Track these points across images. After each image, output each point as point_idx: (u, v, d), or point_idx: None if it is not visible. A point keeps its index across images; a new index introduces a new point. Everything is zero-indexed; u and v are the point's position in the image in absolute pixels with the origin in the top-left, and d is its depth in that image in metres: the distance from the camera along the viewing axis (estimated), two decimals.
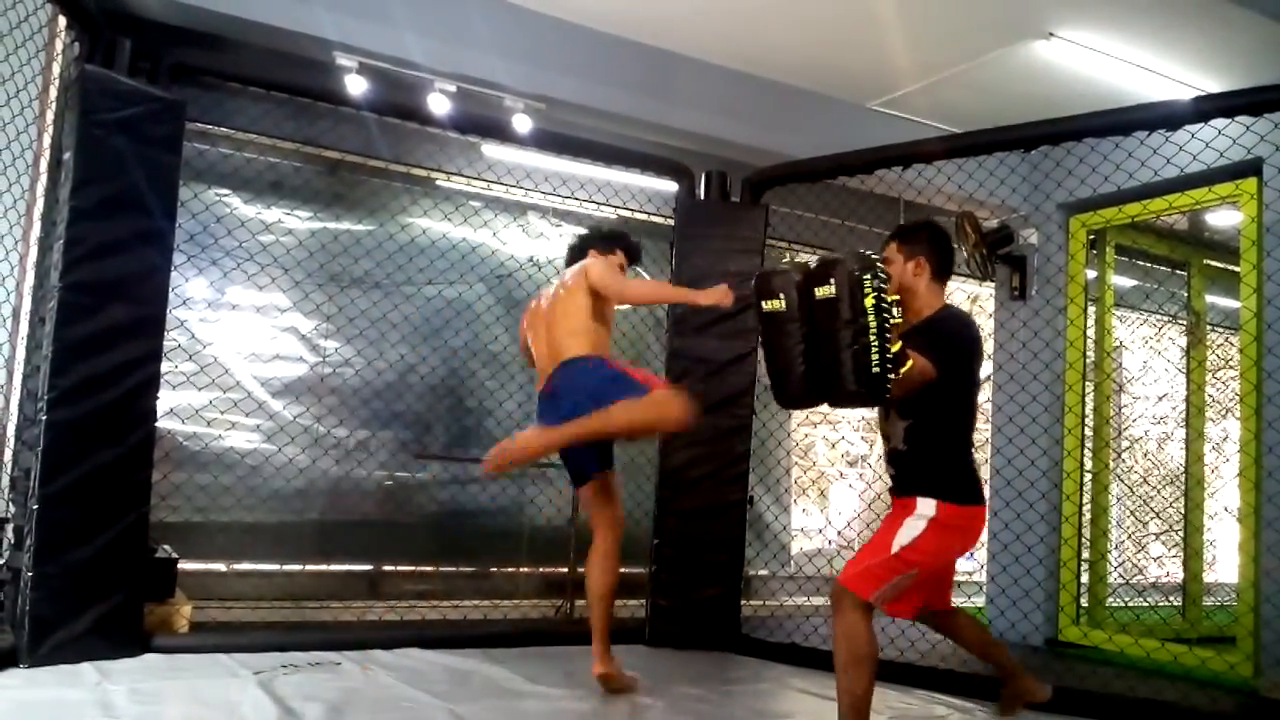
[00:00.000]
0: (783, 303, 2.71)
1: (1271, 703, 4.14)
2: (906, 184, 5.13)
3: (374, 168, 5.45)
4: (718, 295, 3.38)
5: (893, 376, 2.54)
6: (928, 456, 2.88)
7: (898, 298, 2.64)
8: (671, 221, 5.19)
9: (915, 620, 3.05)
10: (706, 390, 4.70)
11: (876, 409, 3.03)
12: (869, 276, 2.53)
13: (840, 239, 6.05)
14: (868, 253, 2.65)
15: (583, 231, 4.03)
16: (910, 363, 2.62)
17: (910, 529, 2.80)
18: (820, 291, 2.61)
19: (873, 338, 2.51)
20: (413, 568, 5.40)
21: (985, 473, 6.23)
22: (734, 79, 5.29)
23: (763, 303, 2.77)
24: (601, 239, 3.87)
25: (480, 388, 5.45)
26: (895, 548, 2.78)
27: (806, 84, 5.40)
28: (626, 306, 4.58)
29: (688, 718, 3.38)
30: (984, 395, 7.15)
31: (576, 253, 3.85)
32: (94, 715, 2.87)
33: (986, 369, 7.49)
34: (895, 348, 2.55)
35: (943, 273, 3.06)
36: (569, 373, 3.48)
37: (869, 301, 2.52)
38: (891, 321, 2.54)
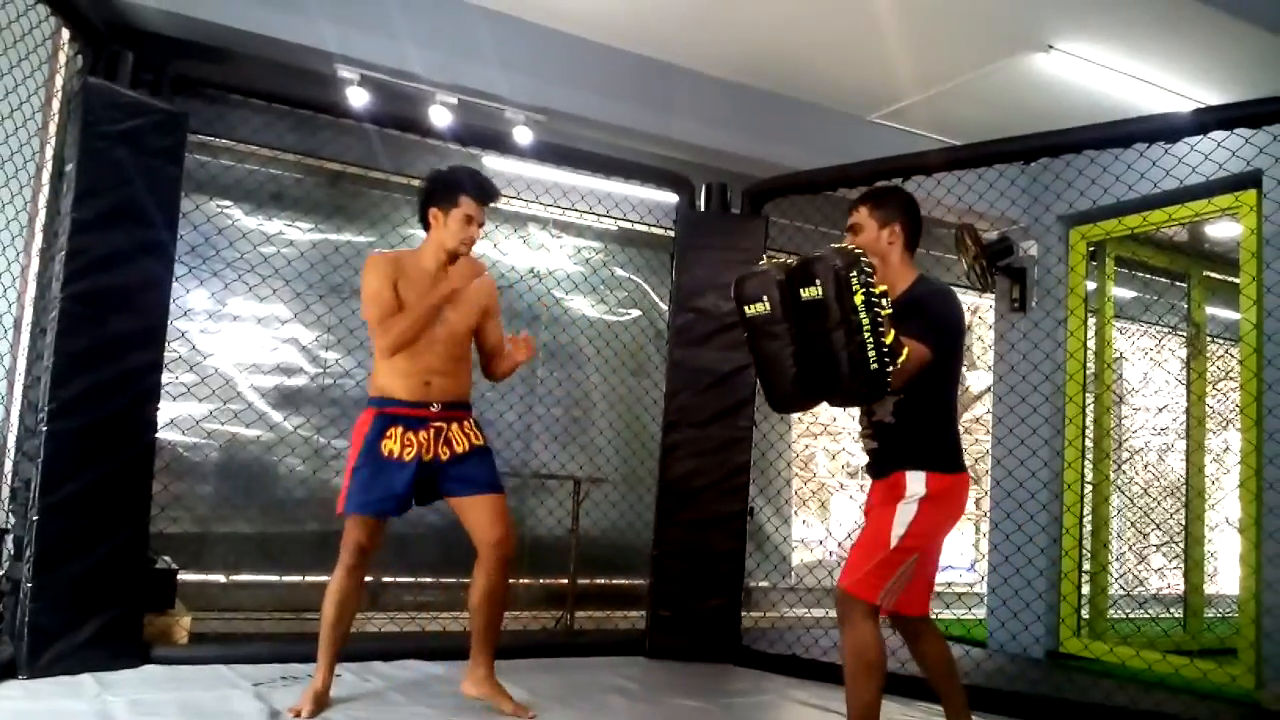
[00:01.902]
0: (766, 305, 2.66)
1: (1273, 715, 4.13)
2: None
3: (375, 179, 5.47)
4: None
5: (891, 369, 2.50)
6: (916, 428, 2.81)
7: (885, 288, 2.55)
8: (672, 233, 5.20)
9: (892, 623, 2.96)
10: (707, 401, 4.71)
11: None
12: (855, 273, 2.47)
13: None
14: (850, 247, 2.60)
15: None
16: (906, 351, 2.57)
17: (903, 515, 2.74)
18: (806, 293, 2.56)
19: (867, 334, 2.46)
20: (412, 579, 5.40)
21: (985, 484, 6.23)
22: (734, 91, 5.31)
23: (744, 307, 2.71)
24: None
25: (480, 399, 5.43)
26: (893, 540, 2.73)
27: (807, 96, 5.42)
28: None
29: None
30: (984, 407, 7.16)
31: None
32: None
33: (986, 380, 7.50)
34: (889, 339, 2.50)
35: (914, 241, 2.98)
36: None
37: (858, 299, 2.46)
38: (883, 314, 2.49)
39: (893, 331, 2.51)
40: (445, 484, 3.26)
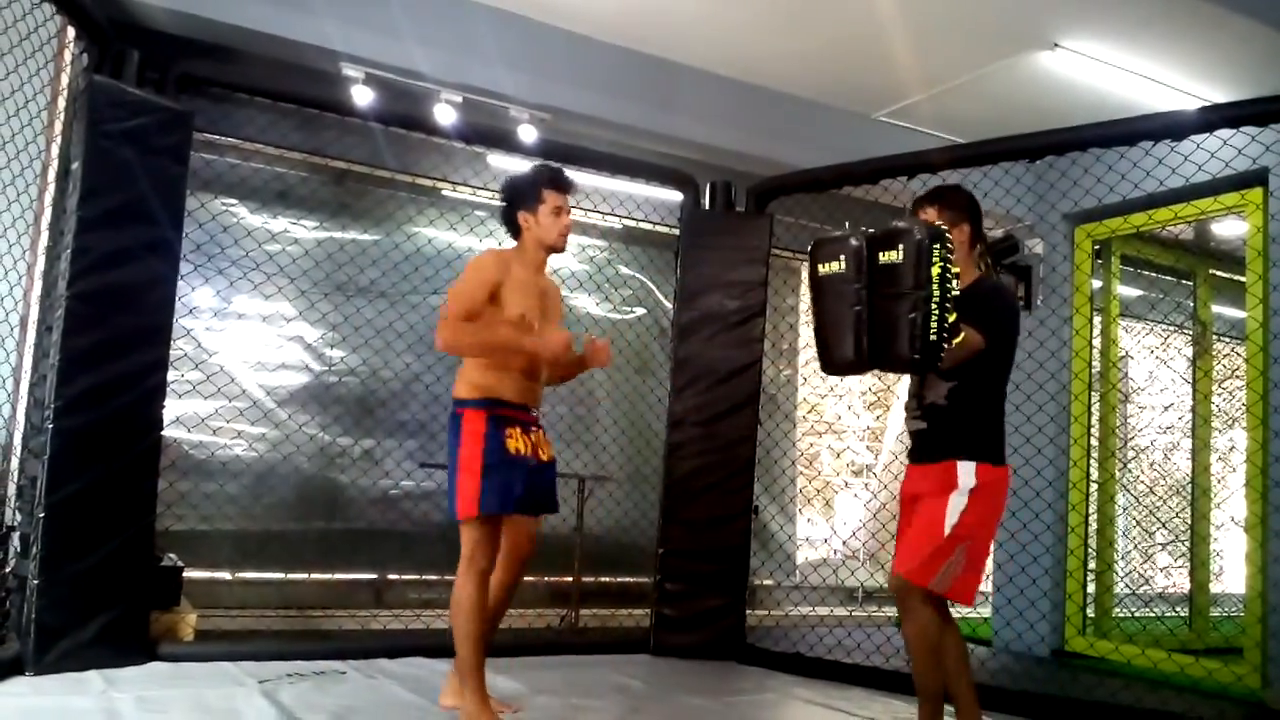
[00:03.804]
0: (841, 264, 2.70)
1: (1279, 715, 4.12)
2: (912, 194, 5.10)
3: (380, 178, 5.48)
4: (549, 346, 3.02)
5: (946, 346, 2.57)
6: (968, 414, 2.88)
7: (959, 270, 2.64)
8: (677, 231, 5.20)
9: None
10: (712, 399, 4.70)
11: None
12: (938, 246, 2.56)
13: None
14: (938, 224, 2.67)
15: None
16: (963, 334, 2.65)
17: (955, 505, 2.80)
18: (885, 256, 2.62)
19: (934, 306, 2.53)
20: (418, 576, 5.40)
21: None
22: (739, 89, 5.31)
23: (818, 266, 2.76)
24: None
25: None
26: (947, 529, 2.79)
27: (812, 94, 5.41)
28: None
29: None
30: None
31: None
32: None
33: None
34: (952, 317, 2.58)
35: (977, 240, 3.06)
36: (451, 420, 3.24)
37: (935, 270, 2.54)
38: (952, 293, 2.57)
39: (955, 314, 2.59)
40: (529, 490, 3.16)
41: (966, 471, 2.81)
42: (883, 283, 2.62)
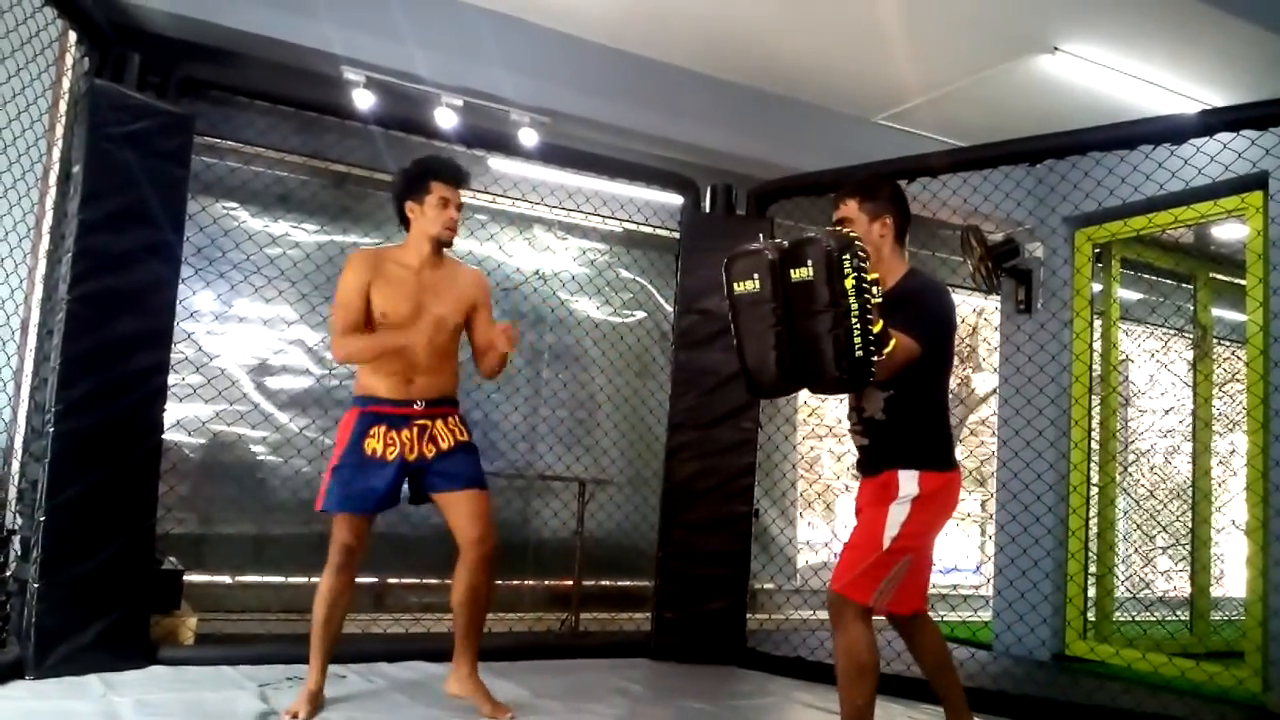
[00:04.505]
0: (756, 284, 2.57)
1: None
2: (911, 198, 5.07)
3: (381, 181, 5.46)
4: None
5: (876, 359, 2.44)
6: (907, 425, 2.78)
7: (877, 275, 2.48)
8: (677, 235, 5.20)
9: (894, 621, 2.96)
10: (712, 402, 4.70)
11: None
12: (848, 256, 2.40)
13: None
14: (845, 230, 2.56)
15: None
16: (894, 343, 2.52)
17: (896, 515, 2.71)
18: (796, 274, 2.47)
19: (855, 320, 2.39)
20: (418, 580, 5.40)
21: (991, 486, 6.22)
22: (739, 93, 5.31)
23: (734, 284, 2.63)
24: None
25: (486, 400, 5.46)
26: (886, 541, 2.69)
27: (811, 97, 5.42)
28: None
29: None
30: (989, 409, 7.12)
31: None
32: None
33: (992, 382, 7.48)
34: (877, 328, 2.43)
35: (904, 233, 2.92)
36: None
37: (849, 283, 2.38)
38: (873, 302, 2.42)
39: (881, 321, 2.46)
40: (430, 480, 3.23)
41: (908, 479, 2.72)
42: (798, 301, 2.48)
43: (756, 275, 2.57)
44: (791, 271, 2.49)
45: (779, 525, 6.50)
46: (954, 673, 3.03)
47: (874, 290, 2.43)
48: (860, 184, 2.95)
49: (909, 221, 2.95)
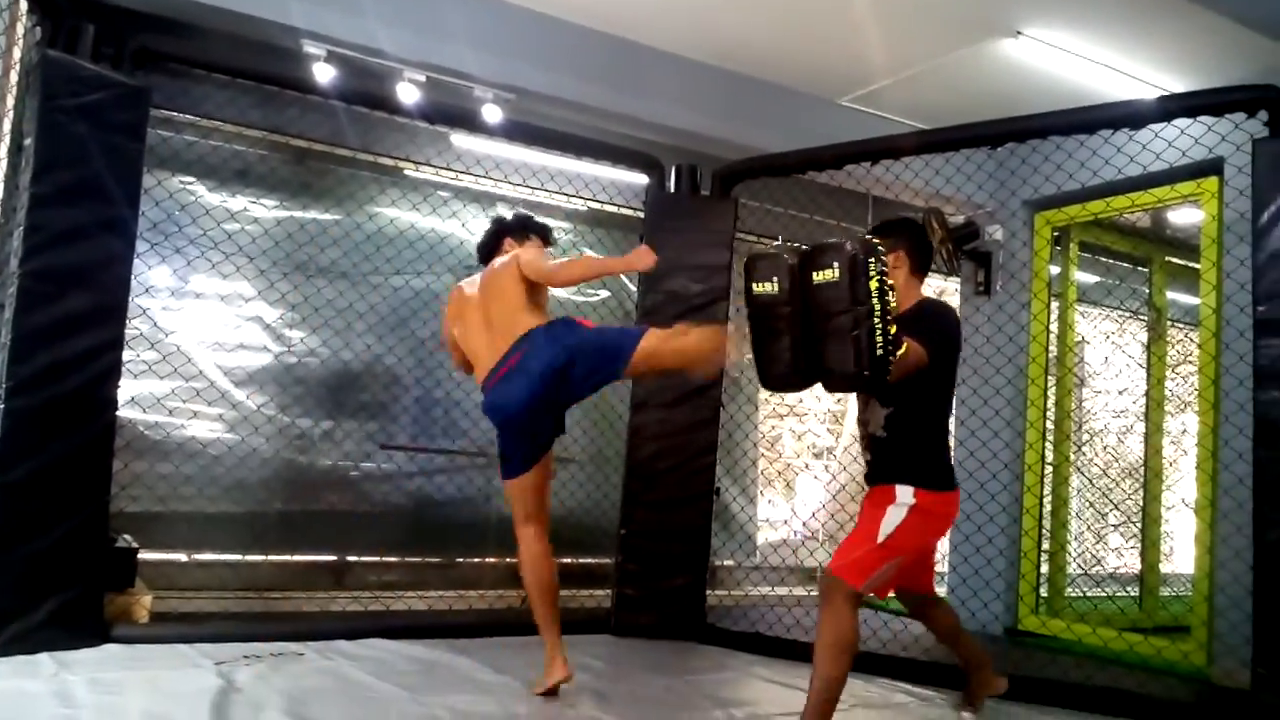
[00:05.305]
0: (775, 286, 2.72)
1: (1224, 690, 4.23)
2: (875, 179, 5.16)
3: (342, 156, 5.41)
4: (641, 258, 3.31)
5: (892, 359, 2.60)
6: (906, 443, 2.97)
7: (894, 282, 2.68)
8: (641, 214, 5.19)
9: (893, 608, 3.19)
10: (674, 382, 4.72)
11: (855, 396, 3.10)
12: (872, 260, 2.58)
13: (809, 233, 6.07)
14: (867, 236, 2.71)
15: (489, 225, 3.88)
16: (906, 346, 2.68)
17: (893, 517, 2.88)
18: (821, 276, 2.63)
19: (876, 320, 2.55)
20: (377, 558, 5.38)
21: None
22: (705, 72, 5.29)
23: (753, 285, 2.77)
24: (516, 228, 3.78)
25: (448, 378, 5.42)
26: (881, 537, 2.86)
27: (777, 78, 5.41)
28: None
29: (651, 706, 3.41)
30: None
31: (490, 246, 3.76)
32: (52, 706, 2.84)
33: None
34: (893, 329, 2.60)
35: (921, 268, 3.15)
36: (534, 338, 3.35)
37: (873, 285, 2.56)
38: (891, 304, 2.60)
39: (895, 325, 2.62)
40: None
41: (905, 492, 2.91)
42: (821, 301, 2.64)
43: (776, 278, 2.72)
44: (814, 274, 2.65)
45: (739, 503, 6.54)
46: (966, 634, 3.46)
47: (892, 294, 2.61)
48: (878, 226, 3.23)
49: (928, 256, 3.21)
